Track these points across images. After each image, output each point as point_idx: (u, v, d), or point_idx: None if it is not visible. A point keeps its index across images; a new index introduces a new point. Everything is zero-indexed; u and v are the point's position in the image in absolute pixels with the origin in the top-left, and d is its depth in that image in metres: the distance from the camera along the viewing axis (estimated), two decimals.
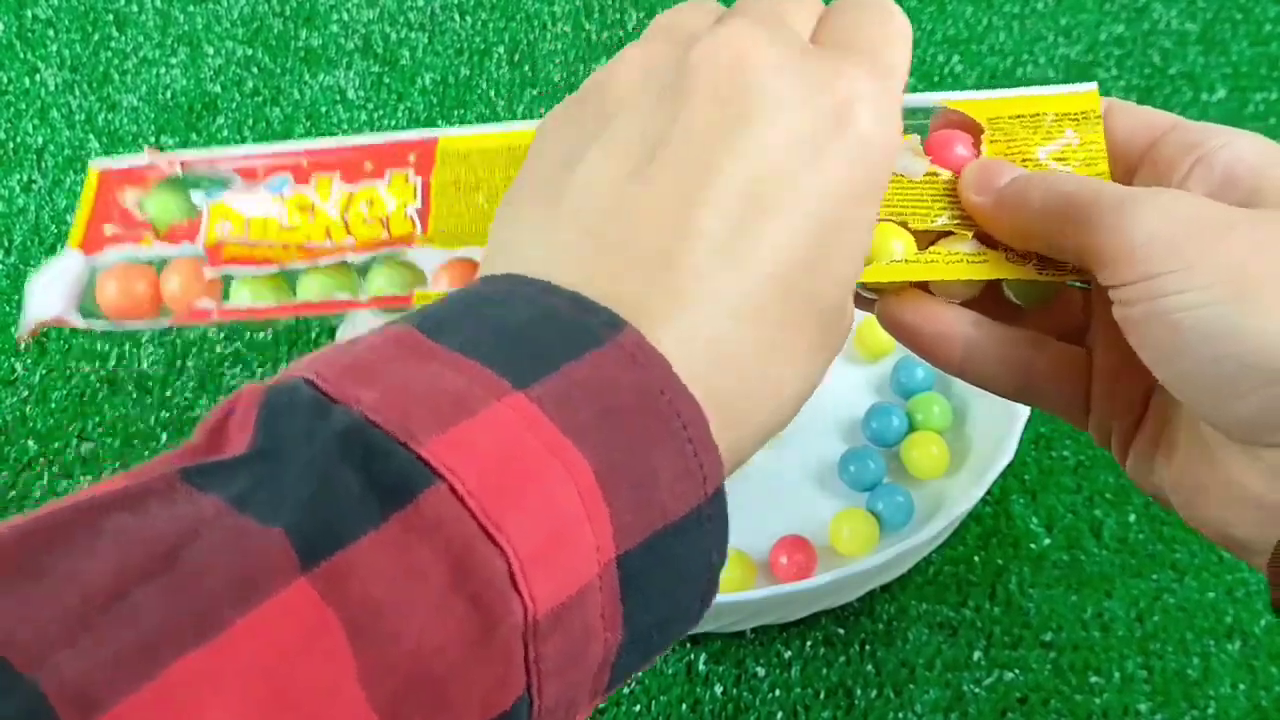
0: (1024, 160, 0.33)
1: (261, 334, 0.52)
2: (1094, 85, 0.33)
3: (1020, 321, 0.33)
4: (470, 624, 0.19)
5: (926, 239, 0.33)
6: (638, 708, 0.42)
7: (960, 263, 0.32)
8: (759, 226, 0.25)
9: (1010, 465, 0.43)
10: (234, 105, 0.62)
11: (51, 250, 0.56)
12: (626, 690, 0.42)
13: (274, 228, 0.36)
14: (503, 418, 0.21)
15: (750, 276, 0.25)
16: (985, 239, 0.33)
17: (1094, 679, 0.42)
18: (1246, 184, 0.30)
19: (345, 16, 0.66)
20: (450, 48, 0.65)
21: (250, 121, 0.61)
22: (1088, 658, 0.43)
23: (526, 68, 0.64)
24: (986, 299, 0.33)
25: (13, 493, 0.47)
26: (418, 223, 0.36)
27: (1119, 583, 0.45)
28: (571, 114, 0.28)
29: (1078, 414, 0.33)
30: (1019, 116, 0.34)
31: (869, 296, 0.34)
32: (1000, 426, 0.44)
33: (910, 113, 0.34)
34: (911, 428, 0.48)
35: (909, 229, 0.33)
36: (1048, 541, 0.46)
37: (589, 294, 0.24)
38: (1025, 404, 0.34)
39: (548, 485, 0.21)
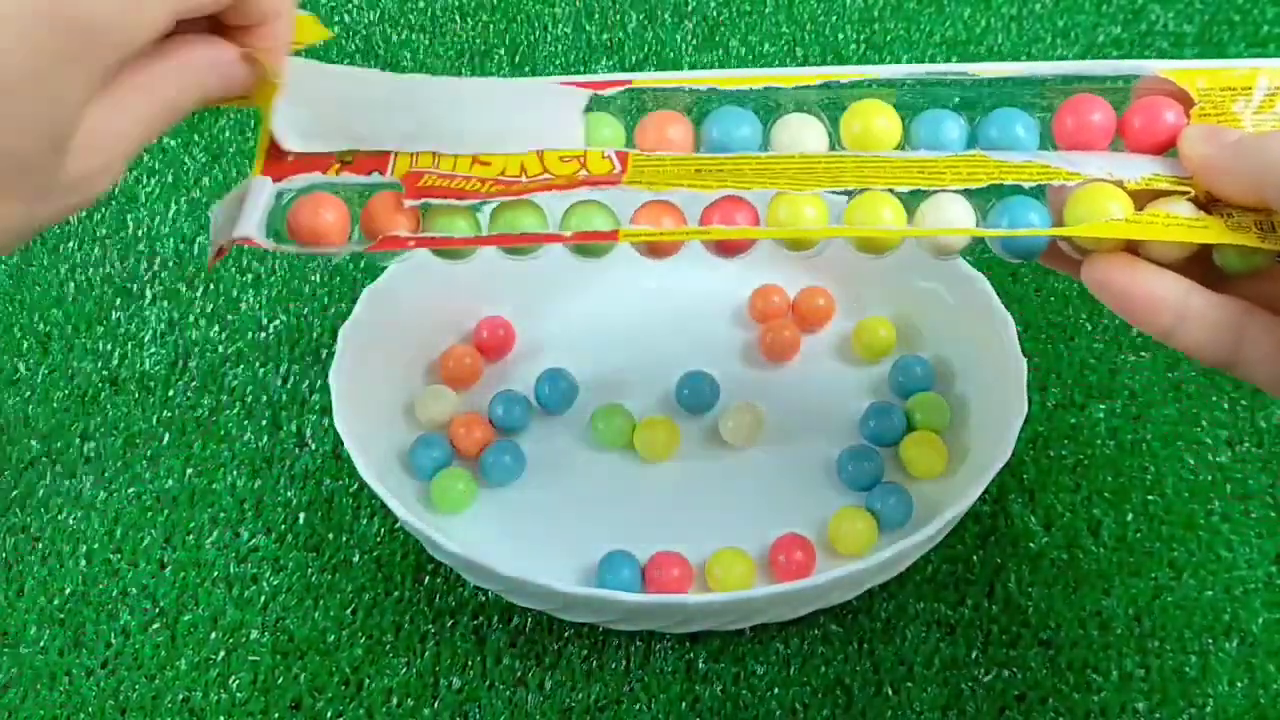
0: None
1: (263, 334, 0.53)
2: None
3: (1223, 290, 0.32)
4: None
5: (1139, 201, 0.33)
6: (637, 706, 0.42)
7: (1180, 226, 0.32)
8: None
9: (1008, 464, 0.44)
10: (234, 106, 0.62)
11: (54, 250, 0.56)
12: (626, 688, 0.42)
13: (465, 158, 0.35)
14: None
15: None
16: (1201, 203, 0.33)
17: (1092, 677, 0.42)
18: None
19: (347, 18, 0.66)
20: (451, 49, 0.65)
21: (252, 122, 0.61)
22: (1086, 656, 0.43)
23: (527, 69, 0.64)
24: (1190, 264, 0.33)
25: (15, 492, 0.48)
26: (616, 162, 0.35)
27: (1117, 581, 0.45)
28: None
29: None
30: (1230, 89, 0.33)
31: (1075, 256, 0.34)
32: (998, 426, 0.44)
33: (1113, 79, 0.35)
34: (910, 427, 0.48)
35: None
36: (1046, 540, 0.46)
37: None
38: (1228, 373, 0.33)
39: None
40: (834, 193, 0.34)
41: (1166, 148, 0.34)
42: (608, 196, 0.35)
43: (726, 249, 0.36)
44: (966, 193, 0.34)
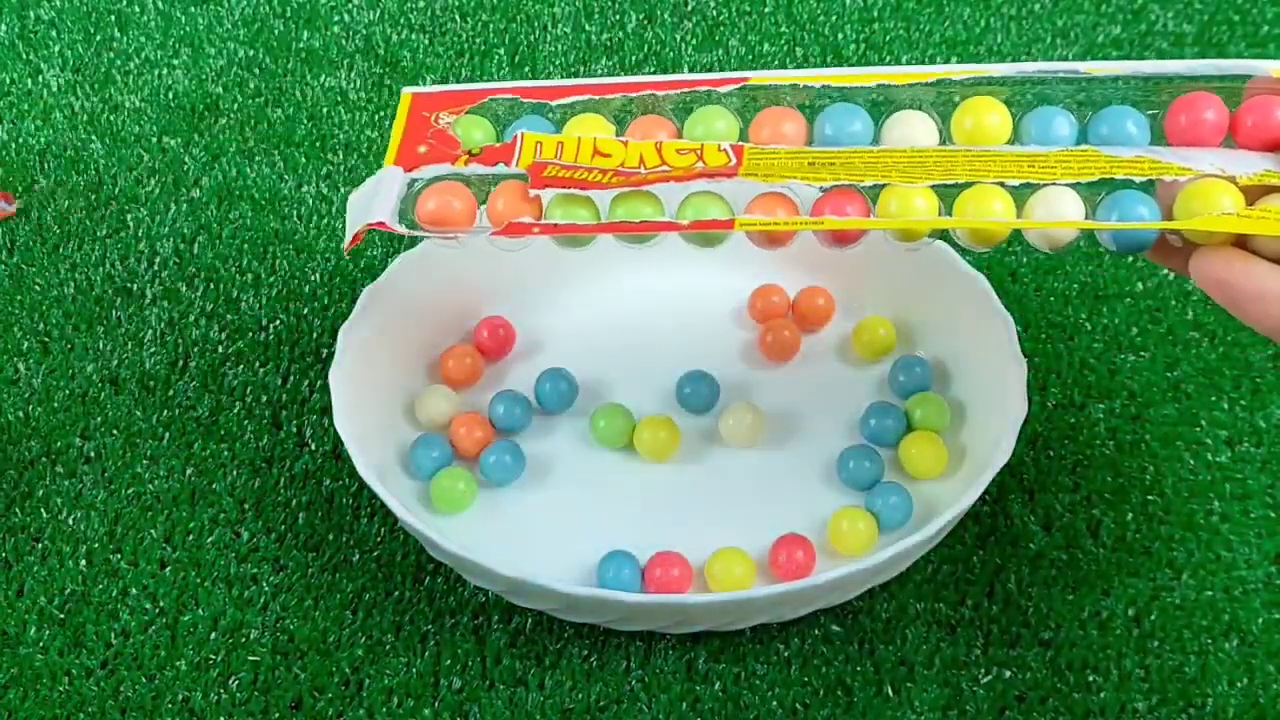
0: None
1: (263, 334, 0.53)
2: None
3: None
4: None
5: (1251, 196, 0.34)
6: (638, 706, 0.42)
7: None
8: None
9: (1008, 464, 0.44)
10: (236, 106, 0.62)
11: (54, 250, 0.56)
12: (626, 688, 0.42)
13: (587, 150, 0.37)
14: None
15: None
16: None
17: (1092, 677, 0.43)
18: None
19: (346, 18, 0.66)
20: (451, 49, 0.65)
21: (252, 122, 0.61)
22: (1085, 656, 0.43)
23: (527, 69, 0.64)
24: None
25: (15, 492, 0.48)
26: (731, 155, 0.37)
27: (1116, 581, 0.45)
28: None
29: None
30: None
31: (1180, 245, 0.34)
32: (998, 426, 0.44)
33: (1221, 79, 0.35)
34: (910, 427, 0.48)
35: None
36: (1045, 540, 0.46)
37: None
38: None
39: None
40: (945, 186, 0.35)
41: (1278, 145, 0.35)
42: (723, 188, 0.37)
43: (839, 239, 0.37)
44: (1076, 186, 0.35)
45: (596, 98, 0.39)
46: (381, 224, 0.37)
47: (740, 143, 0.37)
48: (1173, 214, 0.34)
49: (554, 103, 0.39)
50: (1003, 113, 0.36)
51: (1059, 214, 0.35)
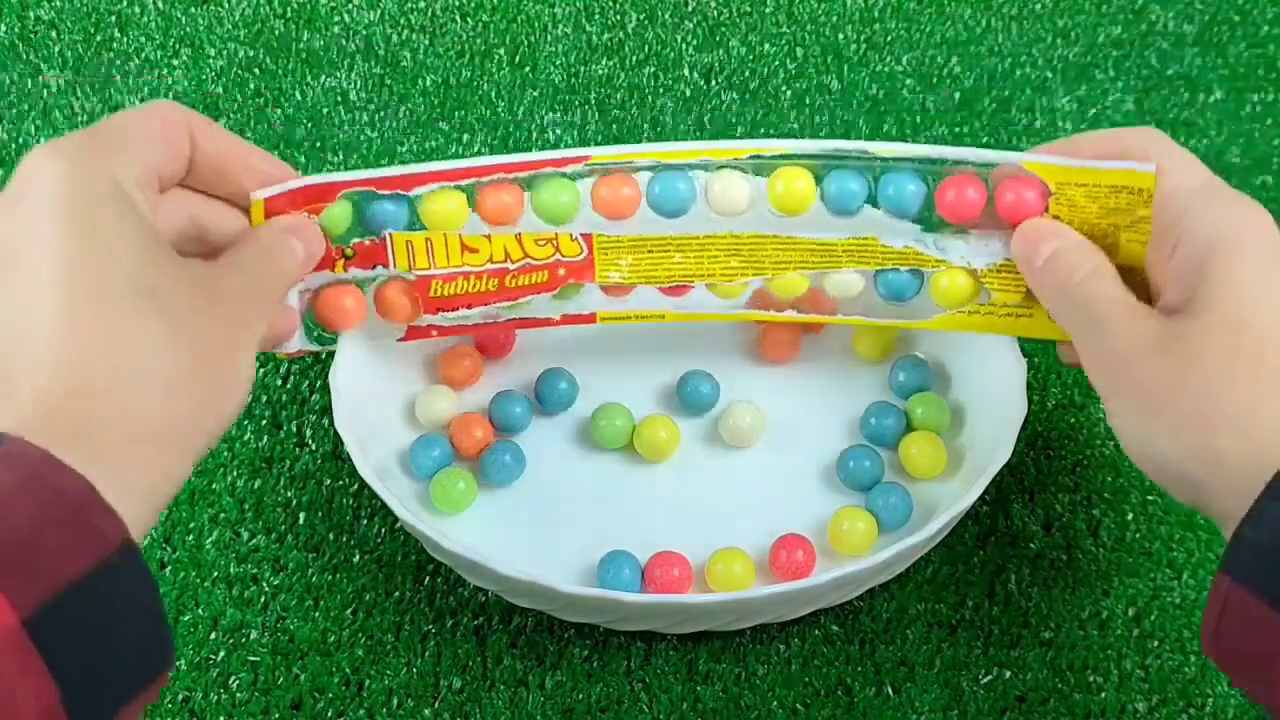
0: (1081, 222, 0.40)
1: None
2: (1153, 167, 0.39)
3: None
4: None
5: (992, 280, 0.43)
6: (639, 706, 0.42)
7: (1009, 317, 0.43)
8: None
9: (1008, 465, 0.44)
10: (235, 107, 0.62)
11: None
12: (627, 688, 0.42)
13: (455, 248, 0.43)
14: None
15: None
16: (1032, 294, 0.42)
17: (1092, 678, 0.43)
18: (1191, 277, 0.36)
19: (347, 18, 0.66)
20: (451, 49, 0.65)
21: (252, 123, 0.61)
22: (1085, 656, 0.43)
23: (527, 69, 0.64)
24: None
25: None
26: (583, 245, 0.43)
27: (1116, 582, 0.45)
28: None
29: None
30: (1082, 185, 0.40)
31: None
32: (998, 426, 0.44)
33: (985, 165, 0.42)
34: (910, 427, 0.48)
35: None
36: (1045, 540, 0.46)
37: None
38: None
39: None
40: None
41: (1017, 223, 0.42)
42: (584, 290, 0.45)
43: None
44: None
45: (451, 184, 0.43)
46: (301, 351, 0.44)
47: (588, 231, 0.43)
48: (928, 284, 0.44)
49: (409, 193, 0.43)
50: (807, 178, 0.43)
51: (848, 282, 0.44)
